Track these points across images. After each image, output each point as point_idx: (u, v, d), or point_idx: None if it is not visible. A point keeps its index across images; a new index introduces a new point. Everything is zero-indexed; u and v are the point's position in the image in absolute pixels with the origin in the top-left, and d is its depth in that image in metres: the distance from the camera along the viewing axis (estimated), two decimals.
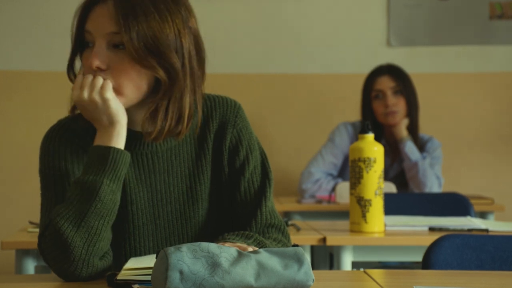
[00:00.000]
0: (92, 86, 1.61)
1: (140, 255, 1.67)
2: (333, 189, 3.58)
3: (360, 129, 2.49)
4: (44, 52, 4.47)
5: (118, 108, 1.62)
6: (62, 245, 1.55)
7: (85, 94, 1.61)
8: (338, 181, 3.81)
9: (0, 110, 4.48)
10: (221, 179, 1.74)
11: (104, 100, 1.61)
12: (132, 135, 1.68)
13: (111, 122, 1.62)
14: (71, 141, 1.67)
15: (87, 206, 1.57)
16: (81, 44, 1.66)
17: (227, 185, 1.75)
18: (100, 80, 1.61)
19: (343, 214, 3.49)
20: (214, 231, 1.72)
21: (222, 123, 1.75)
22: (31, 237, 2.38)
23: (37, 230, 2.33)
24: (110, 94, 1.61)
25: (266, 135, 4.56)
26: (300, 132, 4.59)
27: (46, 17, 4.50)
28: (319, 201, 3.68)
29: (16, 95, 4.48)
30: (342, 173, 3.98)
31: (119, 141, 1.63)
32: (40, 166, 1.68)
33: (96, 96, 1.61)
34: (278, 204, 3.66)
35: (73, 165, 1.65)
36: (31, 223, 2.63)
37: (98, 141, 1.63)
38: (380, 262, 3.46)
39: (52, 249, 1.57)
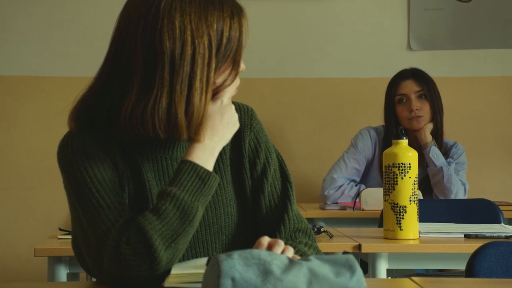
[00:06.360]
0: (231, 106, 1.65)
1: None
2: (358, 196, 3.53)
3: (394, 135, 2.43)
4: (59, 57, 4.44)
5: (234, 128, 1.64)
6: (147, 257, 1.51)
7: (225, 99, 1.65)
8: (361, 187, 3.76)
9: (15, 115, 4.45)
10: (243, 183, 1.73)
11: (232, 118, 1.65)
12: (154, 139, 1.63)
13: (222, 138, 1.63)
14: (89, 145, 1.61)
15: (181, 229, 1.54)
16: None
17: (250, 189, 1.73)
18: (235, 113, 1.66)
19: (367, 220, 3.45)
20: (240, 237, 1.69)
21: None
22: (62, 244, 2.35)
23: (68, 237, 2.30)
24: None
25: (285, 140, 4.52)
26: (320, 137, 4.55)
27: (61, 23, 4.47)
28: (343, 208, 3.63)
29: (31, 101, 4.45)
30: (363, 179, 3.93)
31: (213, 162, 1.61)
32: (68, 178, 1.61)
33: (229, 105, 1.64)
34: (301, 210, 3.61)
35: (99, 169, 1.59)
36: (61, 230, 2.60)
37: (198, 156, 1.60)
38: (411, 270, 3.41)
39: (135, 257, 1.51)
